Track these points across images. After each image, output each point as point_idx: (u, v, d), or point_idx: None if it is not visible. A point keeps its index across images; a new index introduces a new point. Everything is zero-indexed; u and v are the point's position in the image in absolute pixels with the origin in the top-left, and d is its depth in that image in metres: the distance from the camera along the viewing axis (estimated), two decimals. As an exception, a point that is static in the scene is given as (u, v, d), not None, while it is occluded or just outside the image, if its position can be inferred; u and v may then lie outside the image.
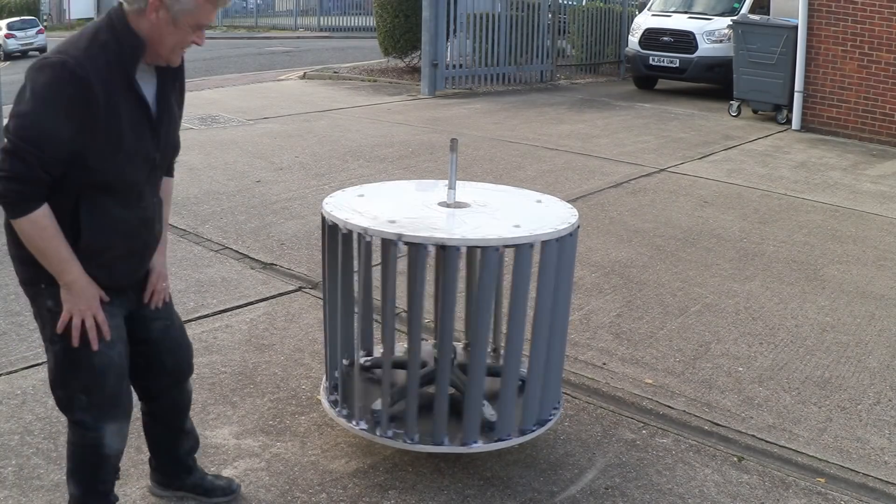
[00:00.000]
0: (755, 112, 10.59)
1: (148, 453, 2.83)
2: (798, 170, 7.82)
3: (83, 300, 2.18)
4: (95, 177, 2.14)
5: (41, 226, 2.11)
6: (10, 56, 24.86)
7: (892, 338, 4.22)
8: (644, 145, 8.57)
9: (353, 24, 30.01)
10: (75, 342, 2.20)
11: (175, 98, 2.34)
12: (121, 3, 2.16)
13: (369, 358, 3.28)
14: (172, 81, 2.31)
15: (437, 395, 2.77)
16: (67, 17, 40.08)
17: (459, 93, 11.74)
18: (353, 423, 2.89)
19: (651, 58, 12.34)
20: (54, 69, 2.04)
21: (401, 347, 3.32)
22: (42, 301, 2.24)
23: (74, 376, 2.26)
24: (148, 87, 2.23)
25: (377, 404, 2.92)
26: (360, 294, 3.00)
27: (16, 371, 3.51)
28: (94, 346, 2.21)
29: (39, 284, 2.22)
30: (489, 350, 3.23)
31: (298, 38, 27.08)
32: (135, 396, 2.46)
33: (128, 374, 2.34)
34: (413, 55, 13.20)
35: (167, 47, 2.17)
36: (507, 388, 2.82)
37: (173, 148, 2.42)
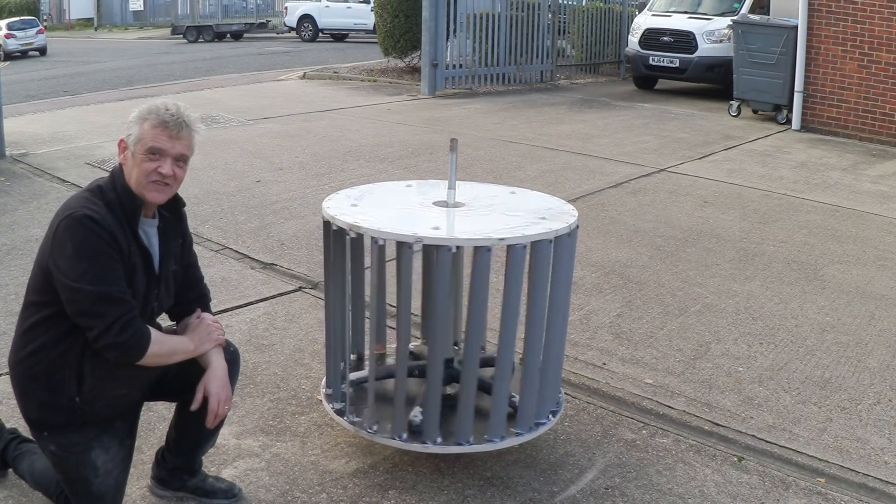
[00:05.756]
0: (755, 112, 10.59)
1: (147, 453, 2.83)
2: (798, 170, 7.82)
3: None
4: None
5: (159, 341, 2.31)
6: (10, 56, 24.84)
7: (892, 338, 4.21)
8: (644, 145, 8.57)
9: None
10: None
11: (177, 252, 2.49)
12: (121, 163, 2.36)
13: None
14: (177, 239, 2.49)
15: (462, 395, 2.77)
16: (67, 17, 40.07)
17: (459, 93, 11.74)
18: (366, 429, 2.87)
19: (651, 58, 12.34)
20: (83, 221, 2.19)
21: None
22: (45, 445, 2.38)
23: (76, 497, 2.41)
24: (153, 241, 2.40)
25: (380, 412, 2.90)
26: (359, 294, 2.99)
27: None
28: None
29: (42, 432, 2.35)
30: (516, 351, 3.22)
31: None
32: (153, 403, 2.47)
33: (124, 487, 2.46)
34: (413, 55, 13.20)
35: (136, 182, 2.30)
36: (530, 383, 2.83)
37: (195, 294, 2.58)
